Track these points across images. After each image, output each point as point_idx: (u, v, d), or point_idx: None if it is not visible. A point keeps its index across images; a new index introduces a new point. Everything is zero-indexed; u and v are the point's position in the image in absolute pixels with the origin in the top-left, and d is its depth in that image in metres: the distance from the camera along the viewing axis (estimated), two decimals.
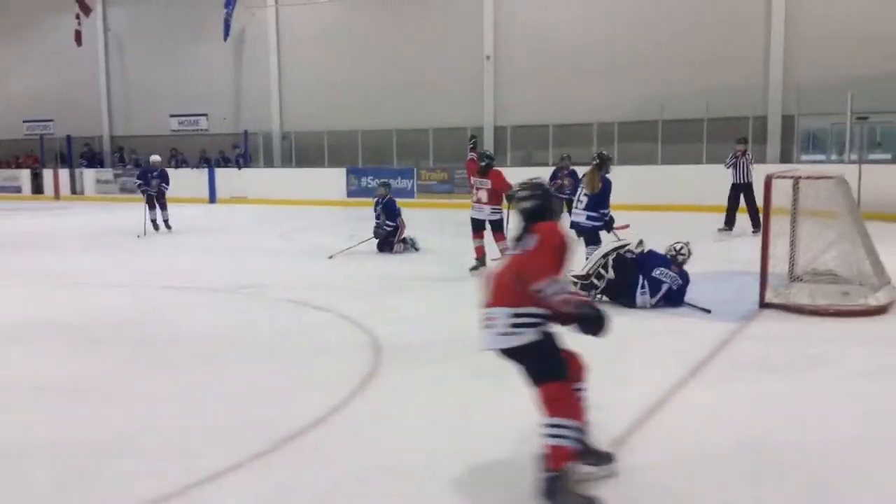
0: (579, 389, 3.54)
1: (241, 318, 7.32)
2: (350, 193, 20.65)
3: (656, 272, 7.15)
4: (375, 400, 4.85)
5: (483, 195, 9.32)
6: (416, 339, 6.35)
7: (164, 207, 14.70)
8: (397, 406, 4.76)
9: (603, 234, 8.28)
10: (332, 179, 21.03)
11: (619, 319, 6.69)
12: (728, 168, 12.72)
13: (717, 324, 6.51)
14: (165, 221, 14.65)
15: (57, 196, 24.45)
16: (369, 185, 19.71)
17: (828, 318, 6.56)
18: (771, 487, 3.52)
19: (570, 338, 3.53)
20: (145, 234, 13.96)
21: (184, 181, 22.39)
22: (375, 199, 11.72)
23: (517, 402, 3.81)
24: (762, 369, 5.37)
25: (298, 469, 3.83)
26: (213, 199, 22.31)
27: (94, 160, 25.19)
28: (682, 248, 7.20)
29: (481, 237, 9.45)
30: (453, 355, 5.83)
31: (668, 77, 18.11)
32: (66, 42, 25.03)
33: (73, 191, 24.49)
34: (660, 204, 15.83)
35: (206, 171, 22.55)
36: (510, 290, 3.41)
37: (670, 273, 7.15)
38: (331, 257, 10.70)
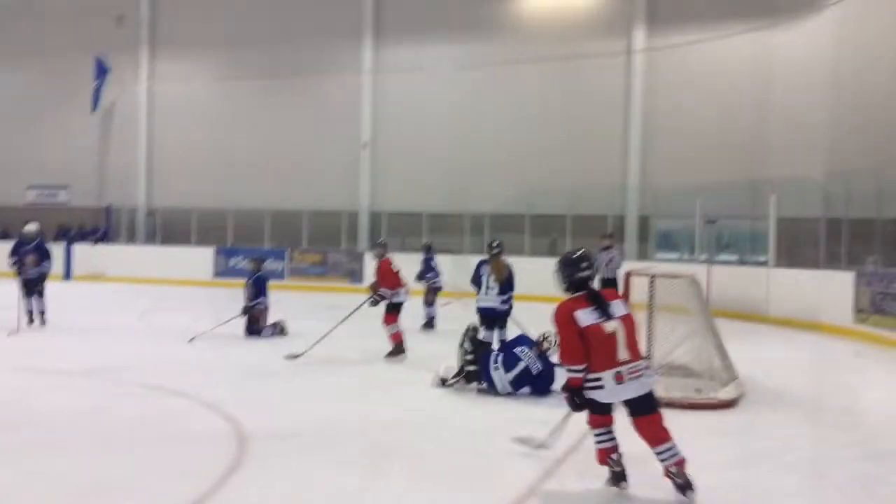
0: None
1: (95, 404, 6.88)
2: (218, 273, 20.10)
3: (516, 349, 7.36)
4: (238, 494, 4.65)
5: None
6: (282, 429, 6.16)
7: (40, 294, 11.83)
8: (261, 501, 4.57)
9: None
10: (200, 259, 20.45)
11: (487, 407, 6.85)
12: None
13: (577, 415, 6.68)
14: (41, 314, 11.77)
15: None
16: (239, 266, 19.28)
17: (682, 410, 6.89)
18: None
19: None
20: (18, 330, 11.01)
21: None
22: (246, 277, 11.50)
23: (386, 495, 3.75)
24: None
25: None
26: (68, 275, 21.11)
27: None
28: (548, 335, 7.43)
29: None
30: (321, 445, 5.69)
31: (535, 174, 19.02)
32: None
33: None
34: (527, 294, 16.32)
35: (62, 245, 21.38)
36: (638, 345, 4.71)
37: (530, 353, 7.33)
38: (192, 340, 10.29)
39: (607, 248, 13.27)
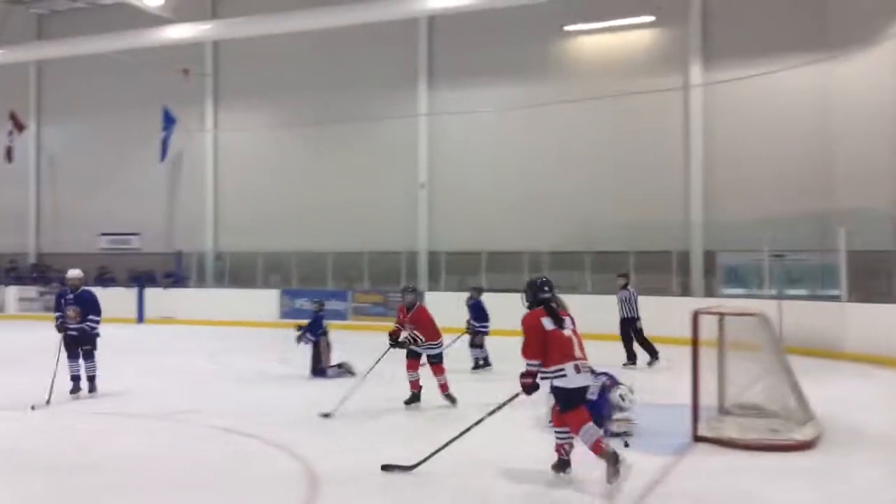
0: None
1: (167, 448, 7.04)
2: (283, 315, 20.43)
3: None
4: None
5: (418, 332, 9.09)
6: (353, 470, 6.20)
7: (88, 357, 9.64)
8: None
9: None
10: (266, 300, 20.85)
11: (551, 453, 6.77)
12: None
13: (652, 457, 6.58)
14: (91, 379, 9.68)
15: None
16: (303, 307, 19.58)
17: (758, 452, 6.71)
18: None
19: None
20: (48, 401, 8.92)
21: (112, 300, 21.95)
22: (309, 318, 11.75)
23: None
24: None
25: None
26: (140, 318, 21.75)
27: (18, 278, 24.41)
28: (626, 393, 7.41)
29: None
30: (394, 487, 5.71)
31: (594, 210, 18.89)
32: None
33: None
34: (590, 332, 16.15)
35: (135, 290, 22.08)
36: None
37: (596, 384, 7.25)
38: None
39: (624, 286, 12.94)
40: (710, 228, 18.06)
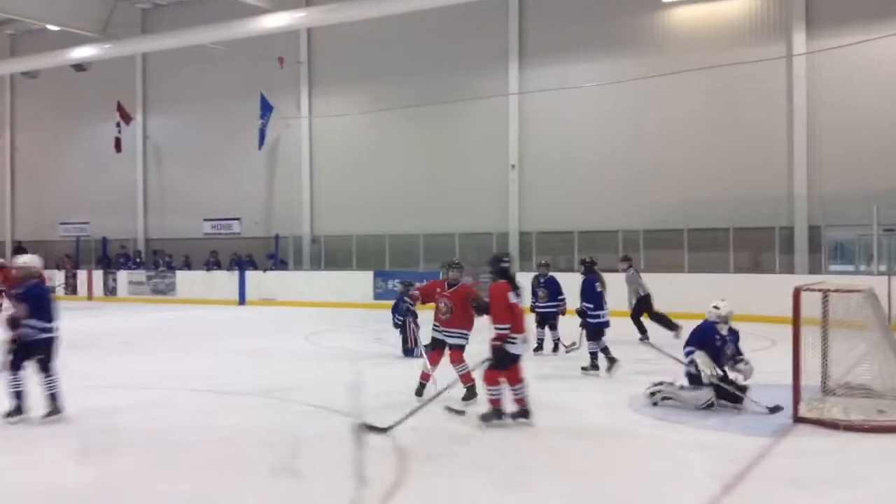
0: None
1: (268, 426, 7.28)
2: (377, 296, 20.80)
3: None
4: None
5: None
6: (441, 448, 6.27)
7: (43, 370, 7.24)
8: None
9: None
10: (360, 282, 21.26)
11: (652, 432, 6.67)
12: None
13: (751, 438, 6.39)
14: (52, 398, 7.28)
15: (90, 297, 24.86)
16: (396, 288, 19.86)
17: (863, 433, 6.41)
18: None
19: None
20: None
21: (216, 283, 22.89)
22: (396, 299, 11.87)
23: None
24: (797, 487, 5.23)
25: None
26: (242, 300, 22.57)
27: (128, 262, 25.72)
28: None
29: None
30: (481, 465, 5.74)
31: (692, 186, 18.36)
32: (106, 148, 26.02)
33: (107, 292, 24.89)
34: (691, 312, 15.75)
35: (236, 273, 22.91)
36: None
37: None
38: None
39: (626, 269, 12.78)
40: (815, 203, 17.24)
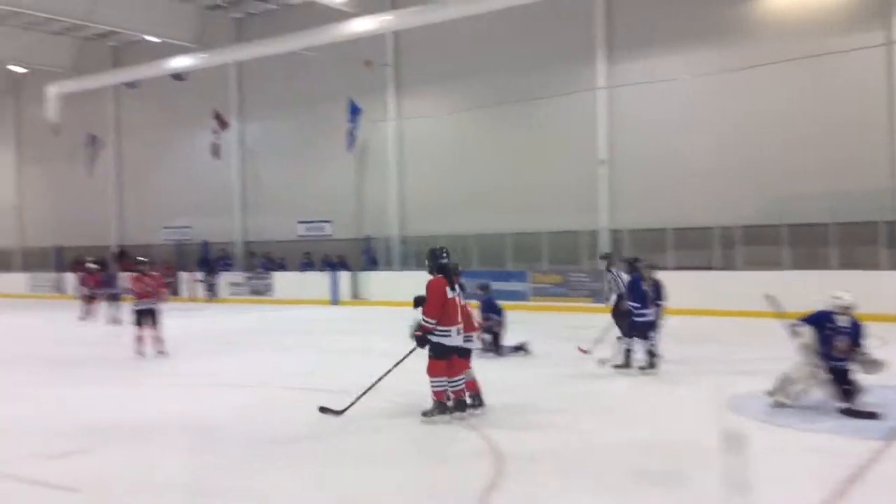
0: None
1: (358, 423, 7.40)
2: (465, 296, 20.80)
3: None
4: None
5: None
6: (537, 449, 6.23)
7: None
8: None
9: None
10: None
11: (756, 434, 6.45)
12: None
13: (860, 441, 6.10)
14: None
15: (192, 298, 25.83)
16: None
17: None
18: None
19: None
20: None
21: (310, 284, 23.44)
22: (478, 300, 11.82)
23: None
24: None
25: None
26: (335, 300, 23.04)
27: (227, 264, 26.60)
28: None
29: None
30: (580, 467, 5.68)
31: (788, 180, 17.66)
32: (204, 154, 27.01)
33: (208, 294, 25.79)
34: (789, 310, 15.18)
35: (329, 273, 23.41)
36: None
37: None
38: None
39: (608, 269, 11.32)
40: None
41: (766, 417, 7.07)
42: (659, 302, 10.02)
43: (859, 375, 7.15)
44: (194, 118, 27.63)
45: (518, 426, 7.09)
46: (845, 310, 7.19)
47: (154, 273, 12.62)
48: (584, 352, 10.62)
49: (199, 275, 25.98)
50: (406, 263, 23.64)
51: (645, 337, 9.67)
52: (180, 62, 24.93)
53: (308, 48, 22.84)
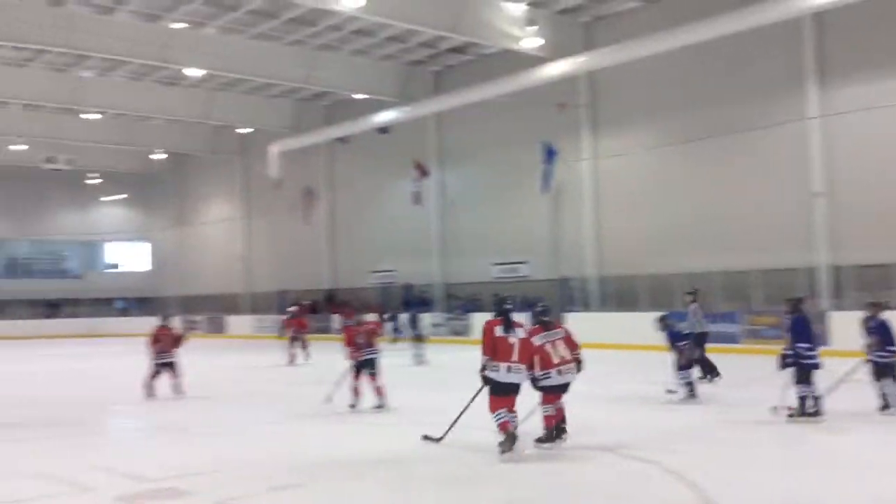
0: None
1: (559, 467, 7.30)
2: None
3: None
4: None
5: None
6: (753, 502, 5.83)
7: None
8: None
9: None
10: (649, 323, 20.62)
11: None
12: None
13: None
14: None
15: (395, 339, 26.86)
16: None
17: None
18: None
19: None
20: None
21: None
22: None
23: None
24: None
25: None
26: None
27: (427, 305, 27.52)
28: None
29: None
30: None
31: None
32: (407, 202, 28.26)
33: (412, 333, 26.68)
34: None
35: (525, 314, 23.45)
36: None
37: None
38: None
39: (691, 302, 13.18)
40: None
41: None
42: (891, 348, 9.20)
43: None
44: (397, 168, 29.09)
45: (730, 475, 6.67)
46: None
47: (369, 323, 11.79)
48: (672, 392, 10.87)
49: (405, 316, 27.01)
50: (604, 304, 23.21)
51: (807, 381, 8.95)
52: (385, 116, 26.48)
53: (503, 94, 23.41)
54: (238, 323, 34.21)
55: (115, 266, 44.56)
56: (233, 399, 13.01)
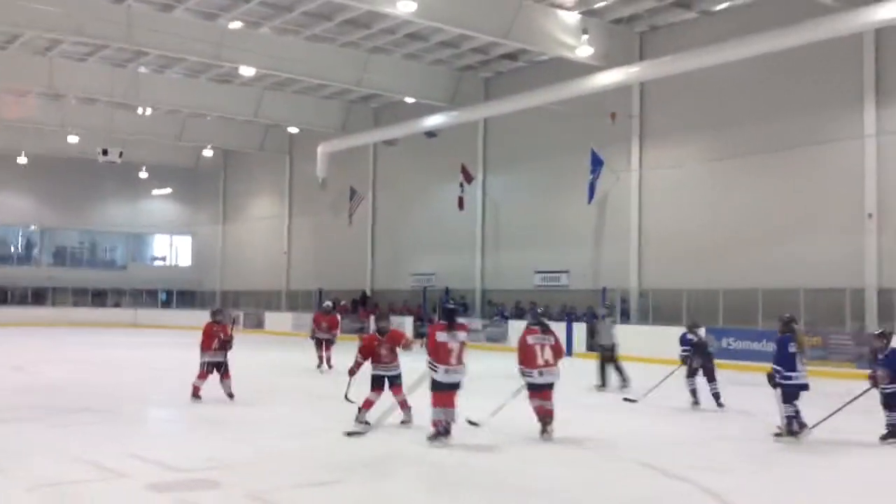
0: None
1: (590, 477, 7.22)
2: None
3: None
4: None
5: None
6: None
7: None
8: None
9: None
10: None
11: None
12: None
13: None
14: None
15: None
16: (730, 346, 18.75)
17: None
18: None
19: None
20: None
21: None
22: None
23: None
24: None
25: None
26: (569, 352, 22.83)
27: (466, 311, 27.46)
28: None
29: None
30: None
31: None
32: (450, 206, 28.25)
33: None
34: None
35: (564, 324, 23.30)
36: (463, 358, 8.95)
37: None
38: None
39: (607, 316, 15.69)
40: None
41: None
42: None
43: None
44: (443, 172, 29.09)
45: (774, 500, 6.51)
46: None
47: (393, 332, 9.97)
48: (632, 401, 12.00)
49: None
50: (643, 317, 22.92)
51: (790, 402, 9.09)
52: (433, 120, 26.53)
53: (553, 102, 23.28)
54: (276, 319, 34.54)
55: (163, 259, 45.36)
56: (270, 395, 13.10)
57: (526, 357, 9.19)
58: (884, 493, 6.97)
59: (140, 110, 30.77)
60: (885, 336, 9.55)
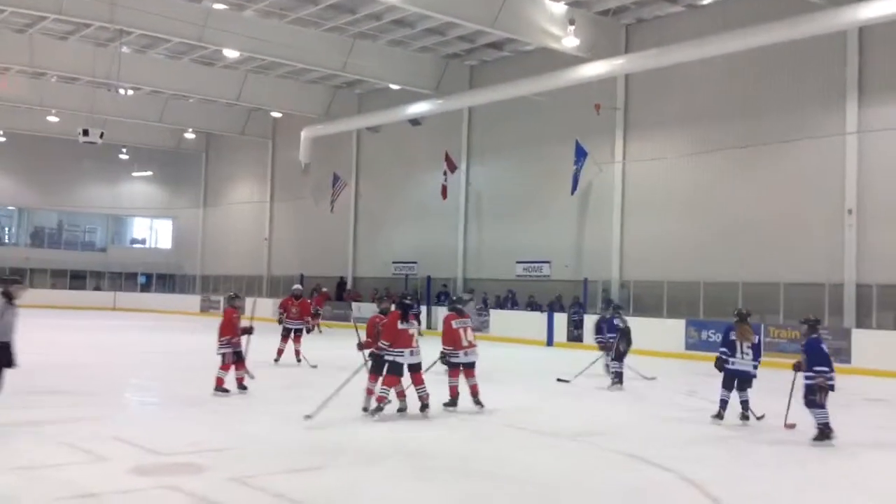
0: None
1: (579, 468, 7.27)
2: (688, 346, 19.93)
3: None
4: None
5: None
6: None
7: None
8: None
9: None
10: (671, 330, 20.51)
11: None
12: None
13: None
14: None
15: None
16: (710, 338, 18.91)
17: None
18: None
19: None
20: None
21: (525, 323, 23.57)
22: None
23: None
24: None
25: None
26: (550, 342, 22.97)
27: (446, 299, 27.48)
28: None
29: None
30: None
31: None
32: (432, 195, 28.23)
33: (428, 326, 26.73)
34: None
35: (545, 315, 23.40)
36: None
37: None
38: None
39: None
40: None
41: None
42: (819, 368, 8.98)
43: None
44: (425, 160, 29.06)
45: (753, 494, 6.59)
46: None
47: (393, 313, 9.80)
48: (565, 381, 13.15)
49: (419, 309, 27.03)
50: (625, 309, 23.02)
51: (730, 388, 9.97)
52: (418, 108, 26.47)
53: (538, 93, 23.27)
54: (258, 305, 34.26)
55: (143, 242, 44.97)
56: (254, 380, 13.05)
57: (452, 339, 10.09)
58: (859, 482, 7.09)
59: (122, 91, 30.42)
60: (808, 322, 9.41)
